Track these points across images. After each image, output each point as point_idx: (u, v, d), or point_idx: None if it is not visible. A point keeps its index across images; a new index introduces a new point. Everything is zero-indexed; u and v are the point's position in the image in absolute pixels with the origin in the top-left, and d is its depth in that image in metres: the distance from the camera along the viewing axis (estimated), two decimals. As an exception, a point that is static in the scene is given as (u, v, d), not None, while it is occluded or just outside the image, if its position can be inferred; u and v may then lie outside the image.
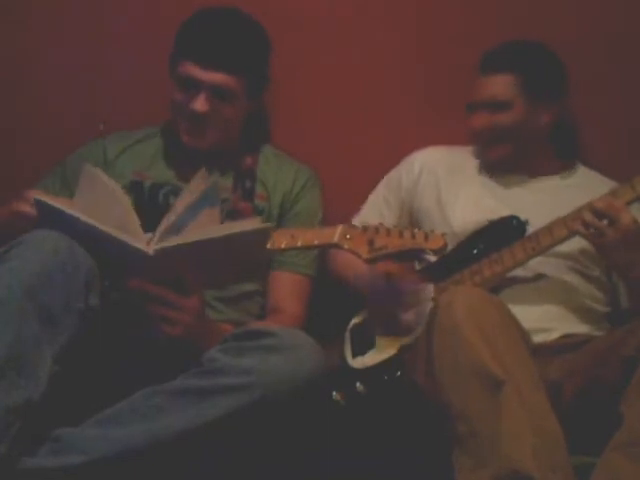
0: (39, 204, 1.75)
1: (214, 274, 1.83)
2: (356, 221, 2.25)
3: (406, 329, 1.99)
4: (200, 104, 2.05)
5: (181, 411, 1.65)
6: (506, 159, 2.19)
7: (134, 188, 2.12)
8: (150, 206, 2.09)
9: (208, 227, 1.78)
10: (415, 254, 2.10)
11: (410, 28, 2.40)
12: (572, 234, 1.99)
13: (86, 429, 1.66)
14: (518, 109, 2.15)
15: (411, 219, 2.25)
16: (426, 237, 1.82)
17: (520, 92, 2.15)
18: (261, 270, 2.06)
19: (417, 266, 2.20)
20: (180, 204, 1.79)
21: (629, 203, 1.97)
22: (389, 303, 2.01)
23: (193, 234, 1.74)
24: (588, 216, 1.94)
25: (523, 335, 1.81)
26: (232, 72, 2.05)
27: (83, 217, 1.70)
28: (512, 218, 2.09)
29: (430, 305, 1.98)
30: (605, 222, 1.93)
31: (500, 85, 2.15)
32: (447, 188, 2.22)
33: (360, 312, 2.12)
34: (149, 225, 1.76)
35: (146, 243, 1.72)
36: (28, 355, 1.60)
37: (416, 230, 1.84)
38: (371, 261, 1.84)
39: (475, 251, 2.09)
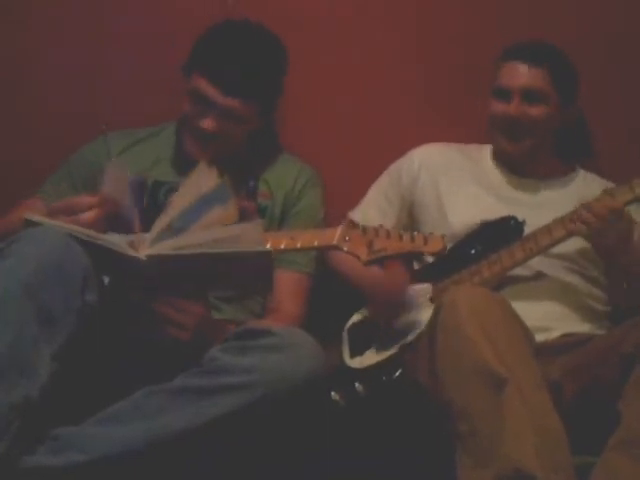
0: (29, 223, 1.74)
1: (216, 282, 1.82)
2: (355, 214, 2.26)
3: (405, 329, 2.00)
4: (209, 124, 2.05)
5: (181, 410, 1.65)
6: (525, 154, 2.19)
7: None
8: (151, 204, 2.09)
9: (209, 234, 1.76)
10: (414, 257, 2.11)
11: (410, 28, 2.40)
12: (570, 234, 1.99)
13: (86, 428, 1.65)
14: (553, 105, 2.16)
15: (410, 215, 2.25)
16: (425, 240, 1.81)
17: (555, 89, 2.16)
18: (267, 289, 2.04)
19: (416, 265, 2.21)
20: (177, 201, 1.78)
21: (627, 204, 1.97)
22: (390, 307, 2.02)
23: (191, 241, 1.73)
24: (586, 215, 1.95)
25: (526, 334, 1.81)
26: (247, 98, 2.04)
27: (73, 229, 1.70)
28: (510, 218, 2.09)
29: (428, 305, 2.00)
30: (602, 222, 1.93)
31: (540, 77, 2.15)
32: (446, 185, 2.22)
33: (358, 311, 2.12)
34: (150, 223, 1.76)
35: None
36: (28, 354, 1.60)
37: (416, 233, 1.84)
38: (370, 263, 1.84)
39: (473, 251, 2.09)
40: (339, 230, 1.83)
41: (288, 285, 2.10)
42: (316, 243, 1.86)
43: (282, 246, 1.84)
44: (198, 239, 1.71)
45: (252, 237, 1.72)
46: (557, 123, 2.20)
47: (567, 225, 1.98)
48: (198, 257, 1.70)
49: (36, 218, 1.73)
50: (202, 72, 2.06)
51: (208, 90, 2.04)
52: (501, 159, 2.25)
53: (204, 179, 1.80)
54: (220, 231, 1.74)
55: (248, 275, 1.76)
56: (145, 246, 1.70)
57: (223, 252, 1.70)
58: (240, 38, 2.08)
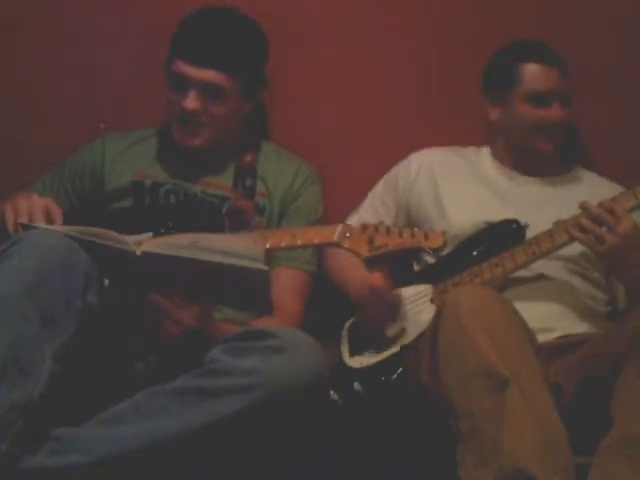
0: (27, 227, 1.74)
1: (209, 292, 1.81)
2: (353, 220, 2.25)
3: (405, 330, 2.00)
4: (190, 102, 2.04)
5: (183, 411, 1.65)
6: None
7: (135, 188, 2.12)
8: (152, 204, 2.09)
9: (210, 244, 1.76)
10: (414, 253, 2.11)
11: (410, 28, 2.40)
12: (572, 240, 1.99)
13: (87, 429, 1.65)
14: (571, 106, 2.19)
15: (408, 220, 2.25)
16: (426, 236, 1.81)
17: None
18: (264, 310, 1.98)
19: (416, 267, 2.21)
20: (213, 240, 1.76)
21: (630, 210, 1.97)
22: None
23: (188, 243, 1.73)
24: (587, 223, 1.95)
25: (528, 334, 1.81)
26: (222, 70, 2.04)
27: (70, 231, 1.71)
28: (512, 222, 2.09)
29: (428, 306, 2.00)
30: (604, 229, 1.93)
31: (563, 78, 2.18)
32: (445, 189, 2.22)
33: (358, 311, 2.12)
34: (150, 224, 1.76)
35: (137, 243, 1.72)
36: (28, 354, 1.60)
37: (416, 229, 1.84)
38: (370, 259, 1.84)
39: (474, 253, 2.09)
40: (339, 228, 1.83)
41: (289, 283, 2.10)
42: (317, 240, 1.86)
43: (283, 244, 1.84)
44: (198, 252, 1.71)
45: (252, 255, 1.72)
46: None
47: (569, 230, 1.98)
48: (192, 262, 1.69)
49: (33, 223, 1.74)
50: (176, 54, 2.07)
51: (183, 68, 2.04)
52: (501, 159, 2.25)
53: (250, 244, 1.79)
54: (222, 242, 1.74)
55: (243, 291, 1.76)
56: (148, 246, 1.70)
57: (218, 262, 1.69)
58: (211, 17, 2.10)
